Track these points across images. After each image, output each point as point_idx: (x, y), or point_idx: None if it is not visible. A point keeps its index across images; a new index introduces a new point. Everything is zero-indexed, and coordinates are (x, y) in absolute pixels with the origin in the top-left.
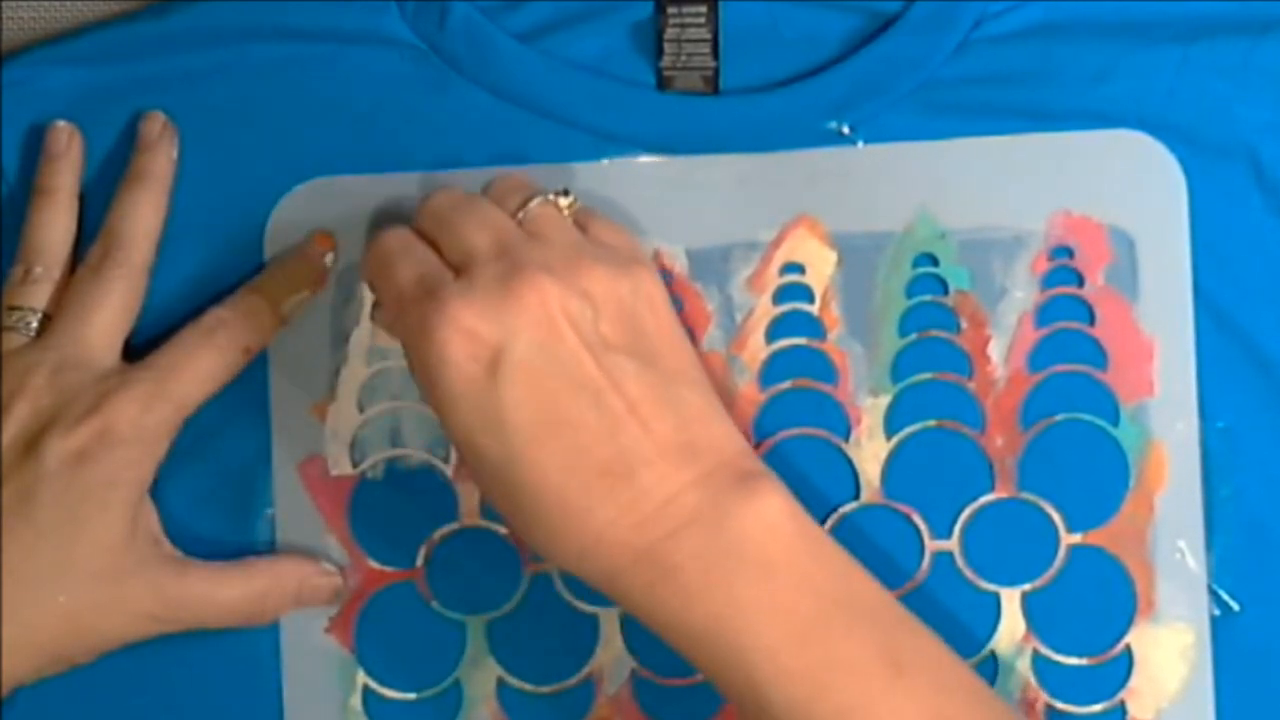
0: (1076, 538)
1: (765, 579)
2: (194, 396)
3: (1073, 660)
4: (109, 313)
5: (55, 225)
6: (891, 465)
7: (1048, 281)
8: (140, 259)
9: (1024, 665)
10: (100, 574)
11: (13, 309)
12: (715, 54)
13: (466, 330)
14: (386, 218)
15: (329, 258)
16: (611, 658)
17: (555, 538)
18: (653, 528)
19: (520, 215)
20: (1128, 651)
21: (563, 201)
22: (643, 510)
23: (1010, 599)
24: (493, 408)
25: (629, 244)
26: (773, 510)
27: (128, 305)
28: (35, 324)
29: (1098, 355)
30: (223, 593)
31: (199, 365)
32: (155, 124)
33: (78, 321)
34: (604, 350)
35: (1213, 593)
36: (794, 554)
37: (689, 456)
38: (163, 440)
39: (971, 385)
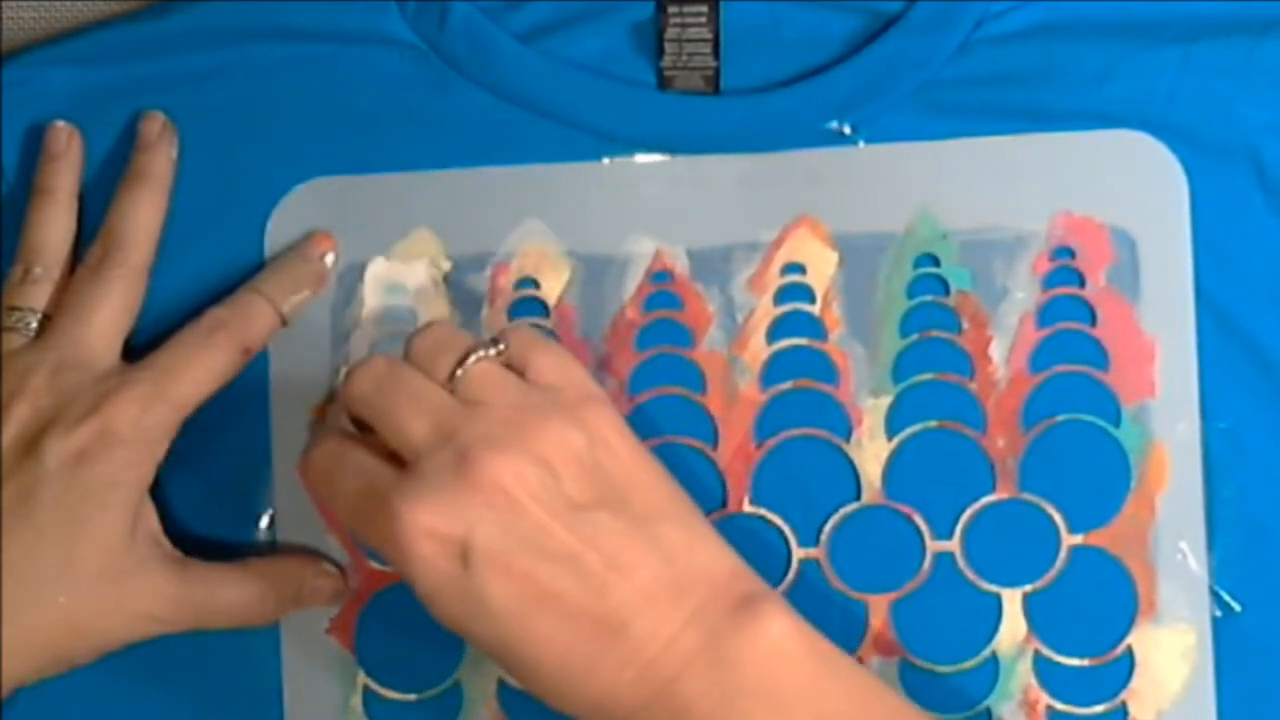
0: (1078, 539)
1: (774, 711)
2: (194, 396)
3: (1074, 661)
4: (108, 313)
5: (55, 225)
6: (893, 466)
7: (1049, 282)
8: (140, 259)
9: (1025, 666)
10: (100, 575)
11: (12, 309)
12: (716, 54)
13: (429, 531)
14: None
15: (329, 258)
16: None
17: (565, 699)
18: (657, 673)
19: (455, 375)
20: (1129, 652)
21: (492, 351)
22: (644, 658)
23: (1011, 600)
24: (474, 598)
25: (573, 377)
26: (774, 633)
27: (127, 305)
28: (35, 324)
29: (1099, 356)
30: (223, 593)
31: (199, 365)
32: (155, 124)
33: (77, 322)
34: (571, 512)
35: (1214, 594)
36: (801, 680)
37: (678, 595)
38: (162, 440)
39: (973, 386)
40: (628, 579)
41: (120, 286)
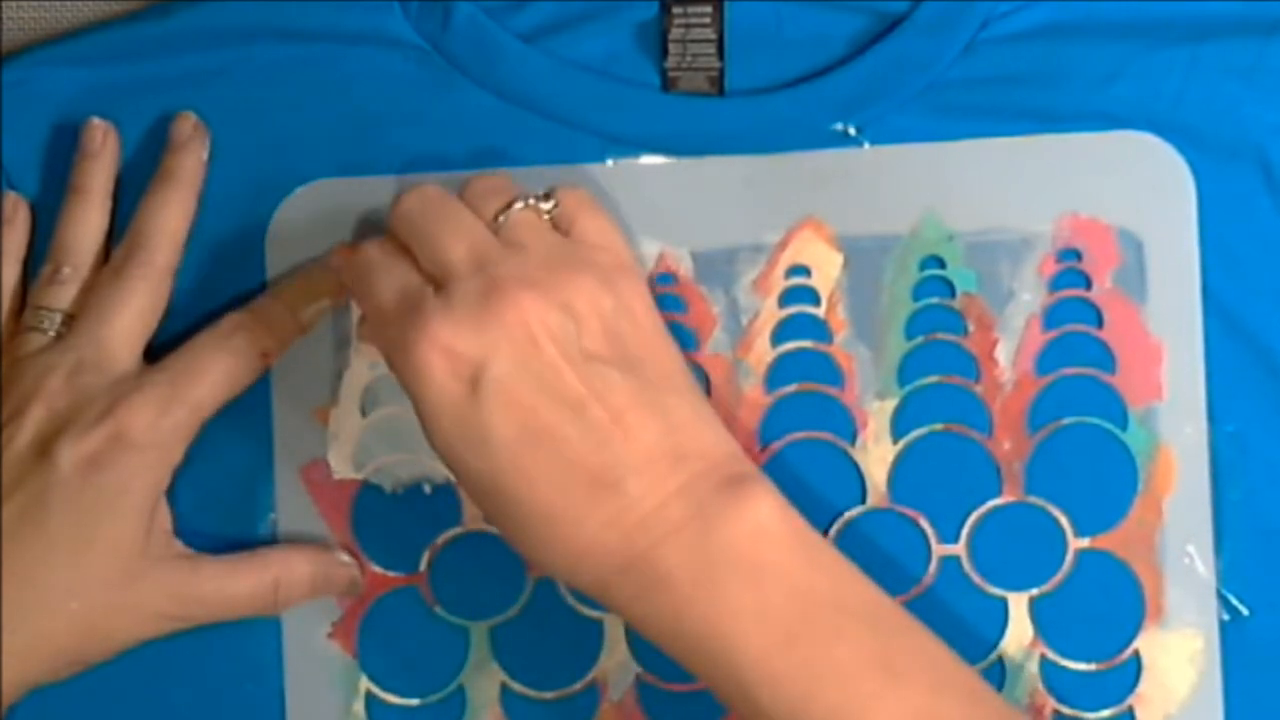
0: (1084, 542)
1: (753, 584)
2: (210, 400)
3: (1081, 665)
4: (129, 315)
5: (87, 224)
6: (898, 469)
7: (1055, 284)
8: (164, 260)
9: (1032, 670)
10: (113, 580)
11: (38, 309)
12: (720, 54)
13: (446, 348)
14: (371, 225)
15: None
16: (616, 663)
17: (544, 548)
18: (641, 536)
19: (499, 220)
20: (1136, 657)
21: (544, 206)
22: (630, 519)
23: (1018, 604)
24: (476, 424)
25: (614, 244)
26: (761, 514)
27: (150, 307)
28: (58, 324)
29: (1106, 358)
30: (235, 586)
31: (215, 369)
32: (186, 124)
33: (98, 323)
34: (585, 362)
35: (1222, 598)
36: (783, 558)
37: (675, 463)
38: (178, 445)
39: (979, 389)
40: (629, 438)
41: (143, 288)
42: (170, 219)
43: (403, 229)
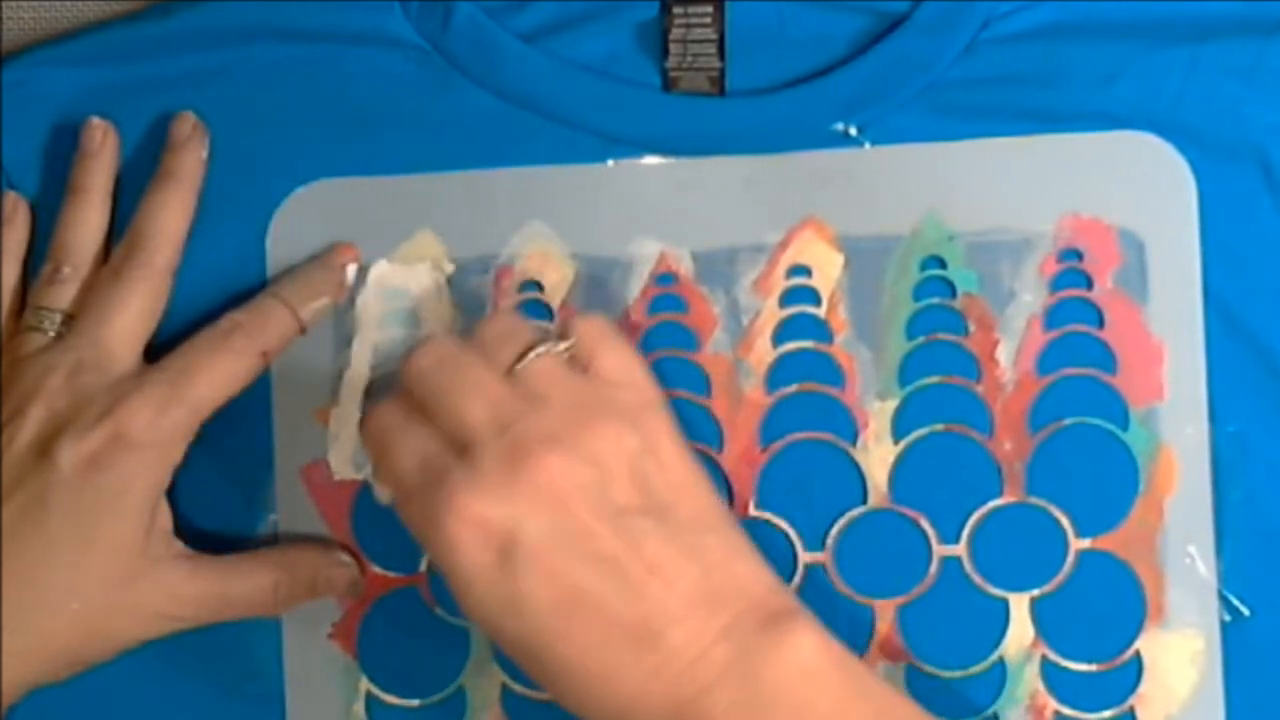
0: (1085, 543)
1: None
2: (210, 400)
3: (1082, 666)
4: (129, 315)
5: (86, 224)
6: (899, 470)
7: (1056, 284)
8: (163, 260)
9: (1033, 671)
10: (113, 580)
11: (38, 309)
12: (721, 54)
13: (476, 519)
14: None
15: (352, 269)
16: None
17: (592, 704)
18: (688, 683)
19: (516, 368)
20: (1137, 657)
21: (561, 347)
22: (675, 668)
23: (1019, 604)
24: (510, 593)
25: (636, 378)
26: (804, 651)
27: (149, 307)
28: (58, 324)
29: (1107, 359)
30: (236, 585)
31: (215, 368)
32: (185, 124)
33: (97, 323)
34: (617, 516)
35: (1223, 598)
36: (829, 693)
37: (715, 606)
38: (178, 444)
39: (980, 389)
40: (667, 586)
41: (142, 288)
42: (170, 219)
43: (418, 389)
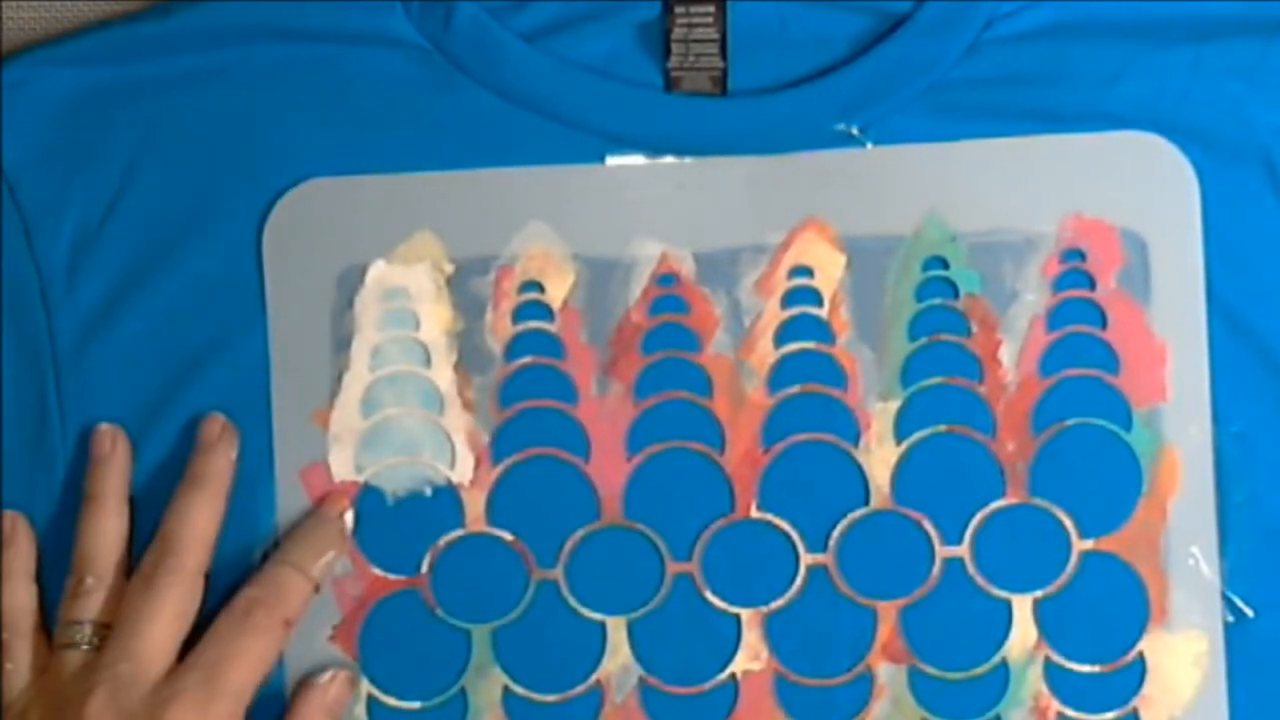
0: (1088, 544)
1: None
2: (248, 684)
3: (1085, 668)
4: (162, 623)
5: (105, 531)
6: (901, 471)
7: (1059, 284)
8: (194, 563)
9: (1036, 673)
10: None
11: (69, 623)
12: (723, 54)
13: None
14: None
15: (349, 516)
16: (618, 666)
17: None
18: None
19: None
20: (1140, 659)
21: None
22: None
23: (1022, 606)
24: None
25: None
26: None
27: (182, 611)
28: (90, 636)
29: (1109, 359)
30: None
31: (245, 652)
32: (215, 425)
33: (132, 635)
34: None
35: (1226, 599)
36: None
37: None
38: None
39: (982, 390)
40: None
41: (174, 594)
42: (199, 522)
43: None
